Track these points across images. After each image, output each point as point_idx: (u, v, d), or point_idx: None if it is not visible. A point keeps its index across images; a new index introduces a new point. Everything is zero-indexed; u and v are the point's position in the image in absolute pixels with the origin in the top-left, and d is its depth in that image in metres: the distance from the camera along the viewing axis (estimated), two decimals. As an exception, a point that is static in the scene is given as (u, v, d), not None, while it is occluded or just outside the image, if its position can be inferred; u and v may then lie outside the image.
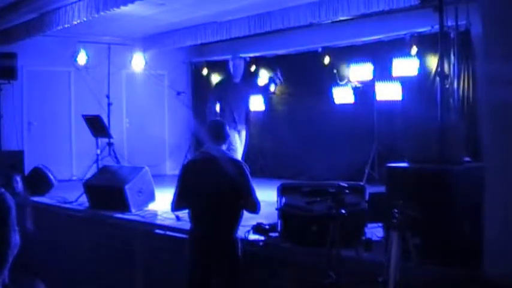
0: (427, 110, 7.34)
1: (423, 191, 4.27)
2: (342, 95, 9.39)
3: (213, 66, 11.70)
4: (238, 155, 7.74)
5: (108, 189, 7.24)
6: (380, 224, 4.95)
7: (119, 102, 11.17)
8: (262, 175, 9.65)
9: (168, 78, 12.02)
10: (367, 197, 5.11)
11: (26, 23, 9.30)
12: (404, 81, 8.50)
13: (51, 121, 10.79)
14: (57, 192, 8.35)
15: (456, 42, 6.80)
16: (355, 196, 4.96)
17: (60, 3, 8.33)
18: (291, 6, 8.25)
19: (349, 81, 9.33)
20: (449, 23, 6.14)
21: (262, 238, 5.30)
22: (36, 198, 8.12)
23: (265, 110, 10.37)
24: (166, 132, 12.04)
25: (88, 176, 8.27)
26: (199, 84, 12.09)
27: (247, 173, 4.96)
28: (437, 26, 5.32)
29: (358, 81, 9.17)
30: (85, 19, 8.05)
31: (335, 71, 9.66)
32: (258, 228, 5.38)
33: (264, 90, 8.46)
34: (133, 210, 6.97)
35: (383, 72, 8.72)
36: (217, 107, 8.17)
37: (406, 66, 8.44)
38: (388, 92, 8.70)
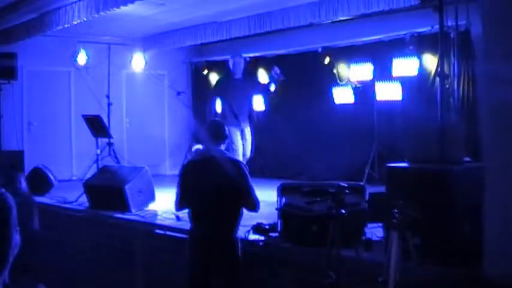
0: (427, 110, 7.34)
1: (423, 191, 4.27)
2: (342, 95, 9.39)
3: (213, 66, 11.71)
4: (239, 155, 7.73)
5: (108, 189, 7.24)
6: (380, 224, 4.95)
7: (119, 102, 11.17)
8: (262, 175, 9.65)
9: (168, 78, 12.02)
10: (367, 197, 5.11)
11: (26, 23, 9.30)
12: (404, 81, 8.50)
13: (51, 121, 10.79)
14: (57, 192, 8.36)
15: (456, 42, 6.80)
16: (355, 196, 4.96)
17: (60, 3, 8.33)
18: (291, 6, 8.26)
19: (349, 81, 9.33)
20: (449, 23, 6.14)
21: (262, 238, 5.31)
22: (36, 198, 8.10)
23: (265, 110, 10.38)
24: (166, 132, 12.04)
25: (88, 176, 8.27)
26: (199, 84, 12.09)
27: (247, 172, 4.97)
28: (437, 26, 5.32)
29: (358, 81, 9.16)
30: (85, 19, 8.05)
31: (335, 71, 9.67)
32: (258, 228, 5.38)
33: (265, 90, 8.44)
34: (133, 210, 6.97)
35: (383, 72, 8.72)
36: (218, 106, 8.17)
37: (406, 66, 8.44)
38: (388, 92, 8.70)
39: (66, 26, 8.48)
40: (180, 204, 5.05)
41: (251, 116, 8.11)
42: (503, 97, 3.73)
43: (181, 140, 11.61)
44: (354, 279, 4.26)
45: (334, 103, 9.48)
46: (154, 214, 6.88)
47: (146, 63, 11.26)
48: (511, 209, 3.72)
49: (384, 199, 4.60)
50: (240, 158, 7.71)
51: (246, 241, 5.22)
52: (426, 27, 7.88)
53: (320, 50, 9.88)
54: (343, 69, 9.59)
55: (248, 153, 8.01)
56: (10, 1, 8.68)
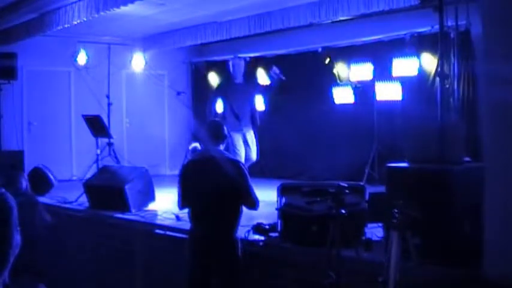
0: (427, 110, 7.33)
1: (423, 191, 4.26)
2: (342, 95, 9.38)
3: (213, 66, 11.70)
4: (241, 158, 7.73)
5: (108, 189, 7.24)
6: (380, 224, 4.95)
7: (119, 102, 11.17)
8: (262, 175, 9.65)
9: (168, 78, 12.02)
10: (367, 197, 5.12)
11: (26, 23, 9.30)
12: (404, 81, 8.50)
13: (51, 121, 10.78)
14: (57, 192, 8.35)
15: (456, 42, 6.80)
16: (355, 196, 4.96)
17: (60, 3, 8.33)
18: (291, 6, 8.25)
19: (349, 81, 9.33)
20: (449, 23, 6.14)
21: (262, 238, 5.31)
22: (36, 199, 8.11)
23: (265, 110, 10.38)
24: (166, 132, 12.04)
25: (88, 176, 8.27)
26: (199, 84, 12.08)
27: (246, 172, 4.99)
28: (437, 26, 5.32)
29: (358, 81, 9.16)
30: (85, 19, 8.05)
31: (335, 71, 9.67)
32: (258, 228, 5.39)
33: (265, 91, 8.44)
34: (133, 210, 6.97)
35: (383, 72, 8.72)
36: (219, 106, 8.17)
37: (406, 66, 8.43)
38: (388, 92, 8.69)
39: (66, 26, 8.48)
40: (182, 204, 5.08)
41: (253, 117, 8.04)
42: (503, 97, 3.73)
43: (181, 140, 11.60)
44: (354, 279, 4.26)
45: (334, 103, 9.47)
46: (154, 214, 6.88)
47: (146, 63, 11.26)
48: (511, 209, 3.72)
49: (384, 199, 4.60)
50: (242, 162, 7.72)
51: (246, 241, 5.22)
52: (426, 27, 7.88)
53: (320, 50, 9.88)
54: (343, 69, 9.59)
55: (254, 157, 7.97)
56: (10, 1, 8.68)
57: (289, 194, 5.24)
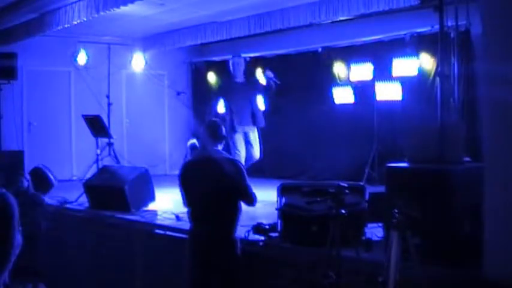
0: (427, 110, 7.34)
1: (423, 191, 4.26)
2: (342, 95, 9.38)
3: (213, 66, 11.69)
4: (242, 158, 7.74)
5: (108, 189, 7.24)
6: (380, 224, 4.95)
7: (119, 102, 11.17)
8: (262, 175, 9.65)
9: (168, 78, 12.02)
10: (367, 197, 5.12)
11: (26, 23, 9.30)
12: (404, 81, 8.50)
13: (51, 121, 10.78)
14: (57, 192, 8.35)
15: (456, 42, 6.79)
16: (355, 196, 4.96)
17: (60, 3, 8.33)
18: (291, 6, 8.25)
19: (348, 80, 9.33)
20: (449, 23, 6.13)
21: (262, 238, 5.31)
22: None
23: (265, 110, 10.38)
24: (166, 132, 12.04)
25: (88, 176, 8.27)
26: (199, 84, 12.08)
27: (244, 170, 5.04)
28: (437, 26, 5.32)
29: (357, 81, 9.16)
30: (85, 19, 8.05)
31: (335, 71, 9.67)
32: (258, 228, 5.38)
33: (265, 91, 8.43)
34: (133, 210, 6.97)
35: (383, 72, 8.72)
36: (221, 107, 8.16)
37: (406, 66, 8.43)
38: (388, 92, 8.69)
39: (66, 26, 8.48)
40: (185, 203, 5.13)
41: (254, 117, 8.00)
42: (503, 97, 3.73)
43: (181, 140, 11.61)
44: (354, 279, 4.27)
45: (334, 103, 9.47)
46: (154, 214, 6.88)
47: (146, 63, 11.26)
48: (511, 209, 3.72)
49: (384, 199, 4.60)
50: (242, 162, 7.72)
51: (246, 241, 5.23)
52: (426, 27, 7.88)
53: (320, 50, 9.88)
54: (343, 69, 9.59)
55: (257, 155, 7.96)
56: (10, 1, 8.68)
57: (289, 194, 5.25)
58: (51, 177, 8.73)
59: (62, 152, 10.83)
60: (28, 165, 9.28)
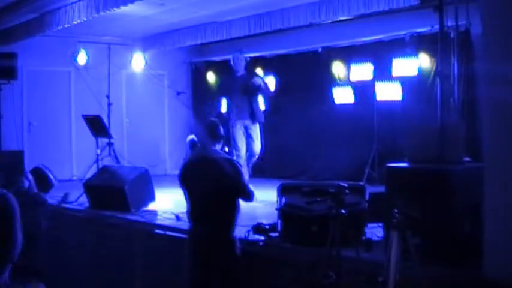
0: (427, 110, 7.33)
1: (423, 191, 4.26)
2: (342, 95, 9.38)
3: (213, 66, 11.70)
4: (242, 156, 7.75)
5: (108, 189, 7.24)
6: (380, 224, 4.95)
7: (119, 102, 11.17)
8: (262, 175, 9.65)
9: (168, 78, 12.02)
10: (367, 197, 5.12)
11: (26, 23, 9.30)
12: (404, 81, 8.50)
13: (51, 121, 10.78)
14: (57, 192, 8.34)
15: (456, 42, 6.79)
16: (355, 196, 4.96)
17: (60, 3, 8.33)
18: (291, 6, 8.25)
19: (348, 80, 9.33)
20: (449, 23, 6.13)
21: (262, 238, 5.31)
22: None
23: (265, 110, 10.39)
24: (166, 132, 12.04)
25: (88, 176, 8.27)
26: (199, 84, 12.09)
27: (241, 169, 5.09)
28: (437, 26, 5.32)
29: (357, 81, 9.16)
30: (85, 19, 8.05)
31: (335, 71, 9.67)
32: (258, 228, 5.39)
33: (265, 91, 8.43)
34: (133, 210, 6.97)
35: (383, 72, 8.72)
36: (223, 105, 8.18)
37: (406, 66, 8.44)
38: (388, 92, 8.70)
39: (66, 26, 8.48)
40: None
41: (253, 115, 8.00)
42: (503, 97, 3.73)
43: (181, 140, 11.61)
44: (354, 279, 4.27)
45: (334, 103, 9.48)
46: (154, 214, 6.88)
47: (146, 63, 11.26)
48: (511, 209, 3.72)
49: (384, 199, 4.60)
50: (243, 159, 7.73)
51: (246, 241, 5.23)
52: (426, 27, 7.87)
53: (320, 50, 9.88)
54: (343, 69, 9.58)
55: (257, 150, 7.97)
56: (10, 1, 8.68)
57: (289, 194, 5.25)
58: (51, 177, 8.73)
59: (62, 152, 10.83)
60: (28, 165, 9.25)
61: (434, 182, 4.27)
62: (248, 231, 5.36)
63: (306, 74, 10.11)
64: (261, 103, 8.42)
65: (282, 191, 5.26)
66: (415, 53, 8.37)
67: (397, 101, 8.60)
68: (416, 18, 8.01)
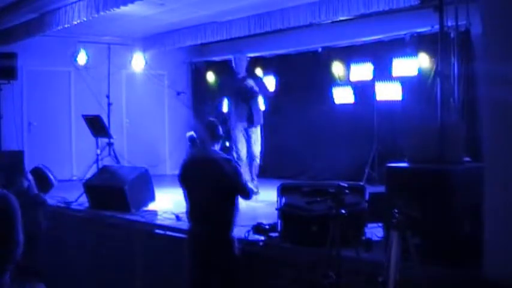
0: (427, 110, 7.33)
1: (423, 191, 4.26)
2: (342, 95, 9.38)
3: (213, 66, 11.70)
4: (243, 157, 7.75)
5: (108, 189, 7.24)
6: (380, 224, 4.95)
7: (119, 102, 11.17)
8: (262, 175, 9.64)
9: (168, 78, 12.02)
10: (367, 197, 5.12)
11: (26, 23, 9.30)
12: (404, 81, 8.50)
13: (51, 121, 10.78)
14: (57, 192, 8.34)
15: (456, 42, 6.79)
16: (355, 196, 4.96)
17: (60, 3, 8.33)
18: (291, 6, 8.25)
19: (348, 80, 9.33)
20: (449, 23, 6.13)
21: (262, 238, 5.31)
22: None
23: (265, 110, 10.39)
24: (166, 132, 12.03)
25: (88, 176, 8.27)
26: (199, 84, 12.08)
27: (239, 168, 5.11)
28: (437, 26, 5.32)
29: (357, 81, 9.16)
30: (85, 19, 8.05)
31: (335, 71, 9.66)
32: (258, 228, 5.39)
33: (265, 91, 8.43)
34: (133, 210, 6.97)
35: (383, 72, 8.72)
36: (225, 106, 8.17)
37: (406, 66, 8.44)
38: (388, 92, 8.70)
39: (66, 26, 8.48)
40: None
41: (250, 118, 7.98)
42: (503, 97, 3.73)
43: (181, 140, 11.60)
44: (354, 279, 4.26)
45: (334, 103, 9.48)
46: (154, 214, 6.88)
47: (146, 63, 11.26)
48: (511, 209, 3.72)
49: (384, 199, 4.60)
50: (244, 161, 7.74)
51: (246, 241, 5.23)
52: (426, 27, 7.87)
53: (320, 50, 9.88)
54: (343, 69, 9.58)
55: (256, 153, 7.96)
56: (10, 1, 8.68)
57: (289, 194, 5.25)
58: (51, 177, 8.73)
59: (62, 152, 10.83)
60: (28, 165, 9.25)
61: (434, 182, 4.27)
62: (248, 231, 5.36)
63: (306, 74, 10.11)
64: (261, 103, 8.42)
65: (282, 191, 5.26)
66: (415, 53, 8.37)
67: (397, 101, 8.60)
68: (416, 18, 8.01)
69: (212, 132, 5.14)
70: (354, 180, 7.33)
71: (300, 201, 5.02)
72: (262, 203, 7.19)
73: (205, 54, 11.92)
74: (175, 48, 10.94)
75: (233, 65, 8.12)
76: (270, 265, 5.11)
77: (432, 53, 8.09)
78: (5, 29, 9.75)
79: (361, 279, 4.29)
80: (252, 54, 10.52)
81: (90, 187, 7.54)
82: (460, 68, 7.26)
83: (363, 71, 9.06)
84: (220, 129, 5.25)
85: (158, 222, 6.52)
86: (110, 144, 9.23)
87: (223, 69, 10.61)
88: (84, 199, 7.63)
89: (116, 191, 7.07)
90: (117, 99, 10.94)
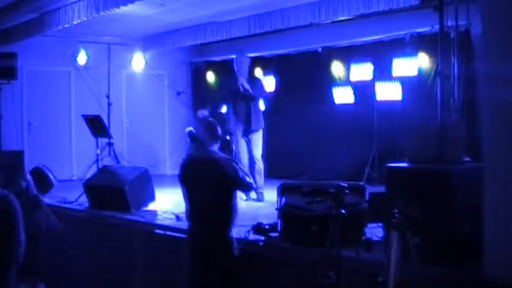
0: (427, 110, 7.33)
1: (423, 191, 4.27)
2: (342, 95, 9.39)
3: (213, 66, 11.70)
4: (244, 159, 7.74)
5: (108, 189, 7.24)
6: (380, 224, 4.95)
7: (119, 102, 11.17)
8: (262, 175, 9.64)
9: (168, 78, 12.02)
10: (367, 197, 5.12)
11: (26, 23, 9.30)
12: (404, 81, 8.50)
13: (51, 121, 10.78)
14: (57, 192, 8.33)
15: (456, 42, 6.79)
16: (355, 196, 4.96)
17: (60, 3, 8.32)
18: (291, 6, 8.25)
19: (348, 80, 9.33)
20: (449, 23, 6.13)
21: (262, 238, 5.31)
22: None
23: (265, 110, 10.40)
24: (166, 132, 12.03)
25: (88, 176, 8.27)
26: (199, 84, 12.08)
27: (237, 166, 5.13)
28: (437, 26, 5.32)
29: (357, 81, 9.16)
30: (85, 19, 8.04)
31: (335, 71, 9.67)
32: (258, 228, 5.39)
33: (264, 91, 8.42)
34: (133, 210, 6.97)
35: (383, 72, 8.72)
36: (223, 109, 8.16)
37: (406, 66, 8.44)
38: (388, 92, 8.70)
39: (66, 26, 8.48)
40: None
41: (248, 122, 7.95)
42: (503, 97, 3.73)
43: (181, 140, 11.60)
44: (354, 279, 4.27)
45: (334, 103, 9.48)
46: (154, 214, 6.88)
47: (146, 63, 11.26)
48: (511, 209, 3.72)
49: (384, 199, 4.60)
50: (246, 164, 7.73)
51: (246, 241, 5.23)
52: (426, 27, 7.87)
53: (320, 50, 9.88)
54: (343, 69, 9.58)
55: (257, 157, 7.94)
56: (10, 1, 8.68)
57: (289, 194, 5.25)
58: (51, 177, 8.72)
59: (62, 152, 10.82)
60: (28, 165, 9.27)
61: (434, 182, 4.27)
62: (248, 231, 5.36)
63: (306, 74, 10.11)
64: (261, 104, 8.41)
65: (282, 191, 5.27)
66: (415, 53, 8.37)
67: (397, 101, 8.60)
68: (416, 18, 8.01)
69: (212, 132, 5.14)
70: (354, 180, 7.33)
71: (300, 201, 5.02)
72: (262, 203, 7.20)
73: (205, 54, 11.92)
74: (175, 48, 10.94)
75: (235, 67, 8.10)
76: (270, 265, 5.11)
77: (432, 53, 8.08)
78: (5, 29, 9.74)
79: (361, 279, 4.29)
80: (252, 54, 10.54)
81: (90, 187, 7.54)
82: (460, 68, 7.26)
83: (362, 71, 9.06)
84: (219, 129, 5.25)
85: (158, 222, 6.53)
86: (109, 144, 9.23)
87: (223, 69, 10.62)
88: (84, 199, 7.63)
89: (116, 191, 7.07)
90: (117, 99, 10.94)
